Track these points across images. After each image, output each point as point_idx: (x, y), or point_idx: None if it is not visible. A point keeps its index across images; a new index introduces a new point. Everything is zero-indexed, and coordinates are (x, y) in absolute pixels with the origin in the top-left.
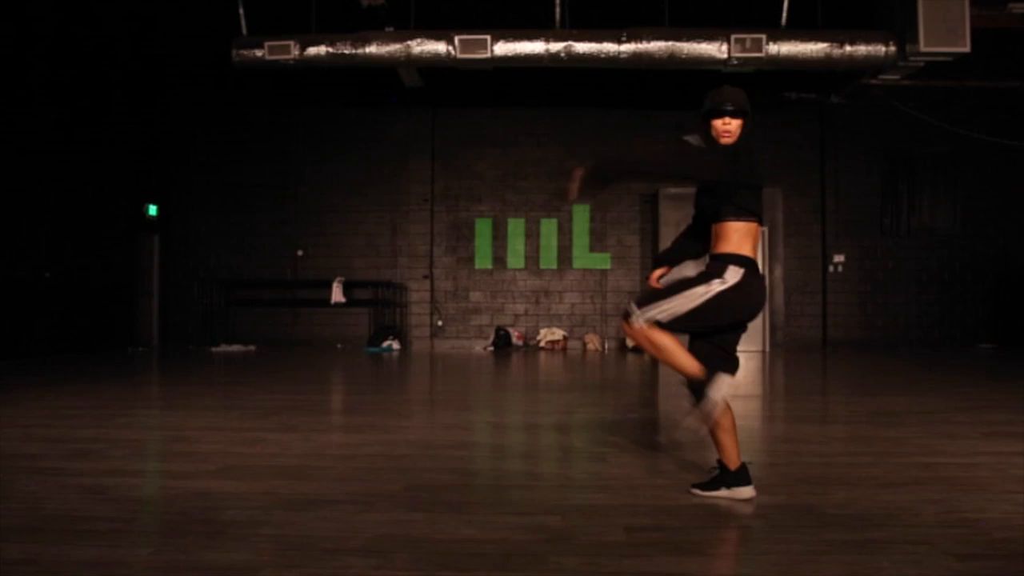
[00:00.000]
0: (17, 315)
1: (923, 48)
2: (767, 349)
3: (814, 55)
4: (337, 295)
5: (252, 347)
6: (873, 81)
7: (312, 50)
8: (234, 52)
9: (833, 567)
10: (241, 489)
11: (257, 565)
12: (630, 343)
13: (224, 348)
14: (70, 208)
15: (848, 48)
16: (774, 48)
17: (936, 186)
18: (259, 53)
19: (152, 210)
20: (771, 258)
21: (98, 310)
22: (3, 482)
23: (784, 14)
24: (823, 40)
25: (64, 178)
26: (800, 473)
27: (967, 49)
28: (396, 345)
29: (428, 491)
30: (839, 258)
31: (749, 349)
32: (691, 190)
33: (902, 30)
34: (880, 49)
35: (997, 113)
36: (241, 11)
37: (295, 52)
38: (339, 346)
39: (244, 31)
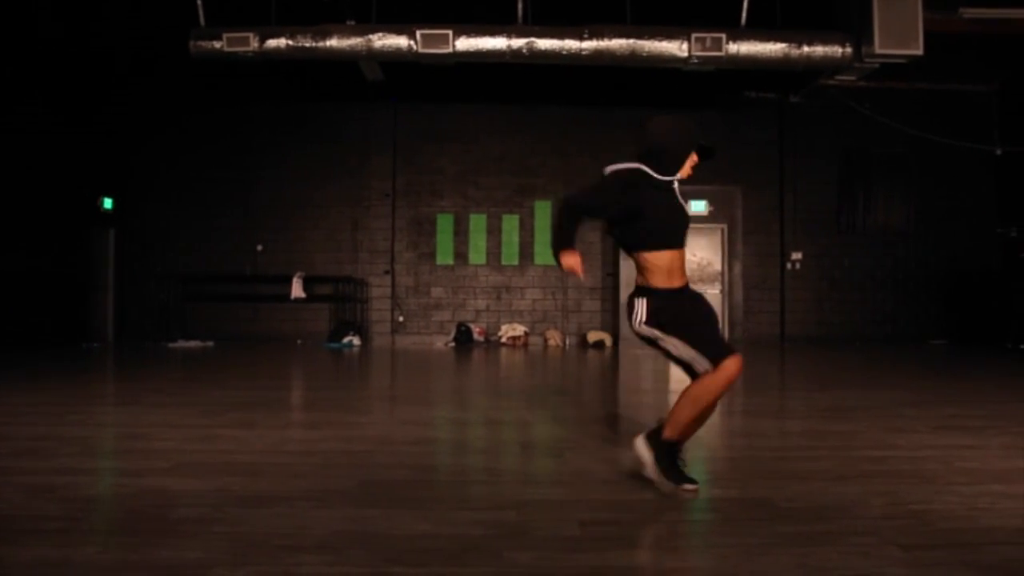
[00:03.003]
0: None
1: (878, 50)
2: None
3: (773, 55)
4: (297, 290)
5: (210, 343)
6: (830, 81)
7: (272, 42)
8: (192, 43)
9: (784, 559)
10: (194, 486)
11: (208, 563)
12: (591, 339)
13: (181, 344)
14: (21, 200)
15: (806, 48)
16: (734, 47)
17: (891, 185)
18: (217, 45)
19: (107, 203)
20: (730, 255)
21: (50, 305)
22: None
23: (744, 14)
24: (781, 40)
25: (15, 169)
26: (755, 467)
27: (920, 52)
28: (356, 341)
29: (384, 487)
30: (797, 255)
31: None
32: None
33: (858, 32)
34: (837, 50)
35: (949, 115)
36: (199, 1)
37: (254, 44)
38: (299, 342)
39: (202, 22)
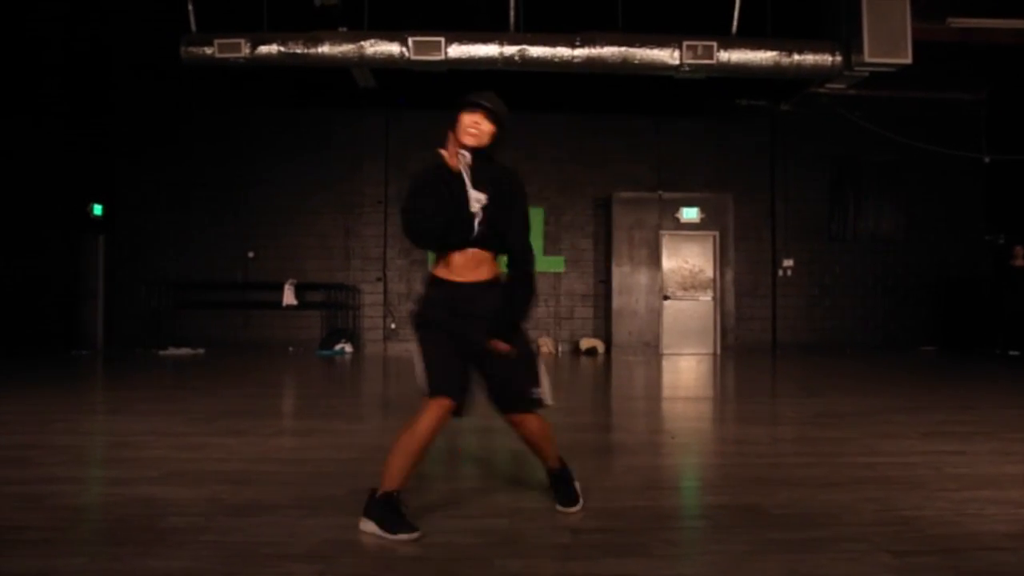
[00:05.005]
0: None
1: (868, 59)
2: (717, 352)
3: (763, 63)
4: (289, 297)
5: (201, 350)
6: (821, 90)
7: (263, 49)
8: (183, 49)
9: (775, 566)
10: (183, 495)
11: (196, 572)
12: (583, 346)
13: (172, 351)
14: (9, 206)
15: (796, 57)
16: (725, 55)
17: (881, 193)
18: (208, 51)
19: (97, 210)
20: (722, 262)
21: (39, 312)
22: None
23: (735, 23)
24: (772, 49)
25: (3, 176)
26: (746, 474)
27: (909, 60)
28: (349, 348)
29: None
30: (788, 262)
31: (700, 352)
32: (644, 195)
33: (848, 41)
34: (827, 59)
35: (938, 123)
36: (190, 7)
37: (246, 50)
38: (291, 349)
39: (193, 28)
